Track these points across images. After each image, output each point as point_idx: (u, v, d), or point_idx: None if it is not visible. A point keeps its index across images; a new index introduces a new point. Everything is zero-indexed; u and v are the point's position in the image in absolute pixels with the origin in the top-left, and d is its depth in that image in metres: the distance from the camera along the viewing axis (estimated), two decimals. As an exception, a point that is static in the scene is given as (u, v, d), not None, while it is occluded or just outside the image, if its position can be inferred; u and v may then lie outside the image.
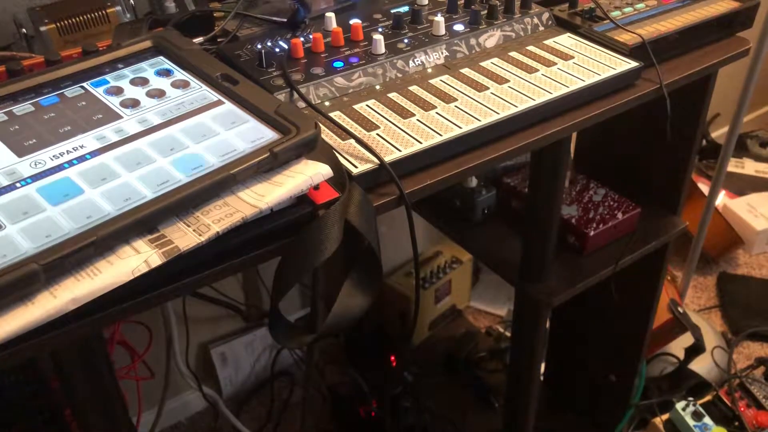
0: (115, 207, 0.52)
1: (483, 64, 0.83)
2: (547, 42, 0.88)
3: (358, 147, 0.67)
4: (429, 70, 0.82)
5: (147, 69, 0.69)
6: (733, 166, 2.29)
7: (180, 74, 0.68)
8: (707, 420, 1.41)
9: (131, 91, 0.66)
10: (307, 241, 0.58)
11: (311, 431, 1.60)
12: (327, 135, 0.69)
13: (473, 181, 1.22)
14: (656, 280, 1.27)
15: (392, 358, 1.63)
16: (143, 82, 0.67)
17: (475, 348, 1.74)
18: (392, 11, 0.88)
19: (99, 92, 0.65)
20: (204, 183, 0.54)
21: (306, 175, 0.57)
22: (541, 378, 1.49)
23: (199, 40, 0.81)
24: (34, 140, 0.59)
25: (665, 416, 1.45)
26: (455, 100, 0.75)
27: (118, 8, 0.83)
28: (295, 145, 0.58)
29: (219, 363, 1.63)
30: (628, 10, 0.93)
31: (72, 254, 0.48)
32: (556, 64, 0.83)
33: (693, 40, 0.91)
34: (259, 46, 0.80)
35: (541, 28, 0.91)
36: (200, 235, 0.52)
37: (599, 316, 1.39)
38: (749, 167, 2.32)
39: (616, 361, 1.42)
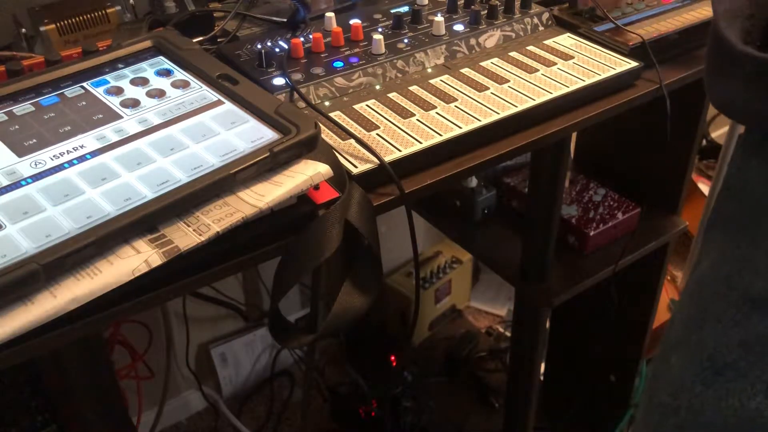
0: (116, 207, 0.52)
1: (483, 64, 0.83)
2: (547, 42, 0.88)
3: (358, 147, 0.67)
4: (429, 70, 0.82)
5: (147, 69, 0.69)
6: (733, 166, 2.29)
7: (180, 74, 0.68)
8: (707, 420, 1.41)
9: (131, 91, 0.66)
10: (307, 241, 0.58)
11: (311, 431, 1.60)
12: (327, 135, 0.69)
13: (473, 181, 1.22)
14: (656, 280, 1.27)
15: (392, 358, 1.63)
16: (143, 82, 0.67)
17: (475, 348, 1.74)
18: (392, 11, 0.88)
19: (99, 92, 0.65)
20: (204, 183, 0.54)
21: (306, 175, 0.57)
22: (541, 378, 1.49)
23: (199, 40, 0.81)
24: (34, 140, 0.59)
25: (665, 416, 1.45)
26: (455, 100, 0.76)
27: (118, 8, 0.83)
28: (295, 145, 0.58)
29: (219, 363, 1.63)
30: (628, 10, 0.93)
31: (72, 254, 0.48)
32: (556, 64, 0.83)
33: (693, 40, 0.91)
34: (259, 46, 0.80)
35: (541, 28, 0.91)
36: (200, 235, 0.52)
37: (599, 316, 1.39)
38: (749, 167, 2.32)
39: (616, 361, 1.42)
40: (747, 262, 0.46)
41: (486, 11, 0.89)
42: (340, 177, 0.62)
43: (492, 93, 0.77)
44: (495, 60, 0.84)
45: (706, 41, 0.50)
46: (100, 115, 0.62)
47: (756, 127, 0.48)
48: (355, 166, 0.65)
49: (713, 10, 0.48)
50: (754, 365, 0.45)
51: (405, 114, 0.73)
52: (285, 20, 0.86)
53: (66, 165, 0.57)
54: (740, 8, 0.46)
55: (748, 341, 0.45)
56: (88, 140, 0.59)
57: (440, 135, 0.70)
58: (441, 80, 0.79)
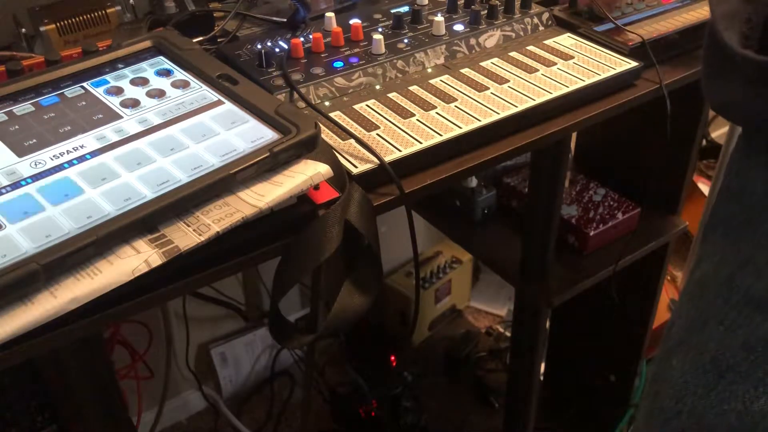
0: (115, 207, 0.52)
1: (483, 64, 0.83)
2: (547, 42, 0.88)
3: (358, 147, 0.67)
4: (429, 70, 0.82)
5: (147, 69, 0.69)
6: (733, 166, 2.28)
7: (180, 74, 0.68)
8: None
9: (131, 91, 0.66)
10: (307, 241, 0.58)
11: (311, 431, 1.60)
12: (327, 135, 0.69)
13: (473, 181, 1.22)
14: (656, 280, 1.27)
15: (392, 358, 1.63)
16: (143, 82, 0.67)
17: (475, 348, 1.74)
18: (392, 11, 0.88)
19: (99, 92, 0.65)
20: (204, 183, 0.54)
21: (306, 175, 0.57)
22: (541, 378, 1.49)
23: (199, 40, 0.81)
24: (34, 140, 0.59)
25: (665, 416, 1.45)
26: (455, 100, 0.76)
27: (118, 8, 0.83)
28: (295, 145, 0.58)
29: (219, 363, 1.63)
30: (628, 10, 0.93)
31: (72, 254, 0.48)
32: (556, 64, 0.83)
33: (693, 40, 0.91)
34: (259, 46, 0.80)
35: (541, 28, 0.91)
36: (200, 234, 0.52)
37: (599, 316, 1.39)
38: (749, 167, 2.31)
39: (616, 361, 1.42)
40: (748, 263, 0.46)
41: (486, 11, 0.89)
42: (340, 177, 0.62)
43: (492, 93, 0.77)
44: (495, 60, 0.84)
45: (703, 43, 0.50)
46: (100, 115, 0.62)
47: (756, 130, 0.48)
48: (355, 166, 0.65)
49: (711, 12, 0.48)
50: (757, 367, 0.45)
51: (405, 114, 0.73)
52: (285, 20, 0.86)
53: (66, 165, 0.57)
54: (738, 12, 0.46)
55: (751, 343, 0.45)
56: (88, 140, 0.59)
57: (440, 135, 0.70)
58: (441, 80, 0.79)
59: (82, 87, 0.66)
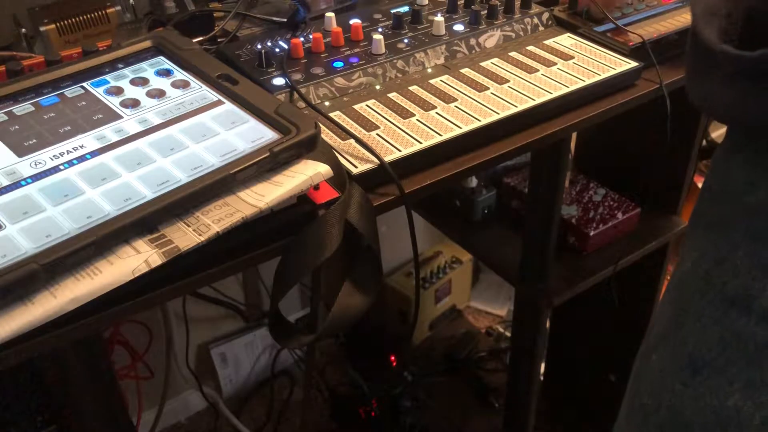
0: (115, 207, 0.52)
1: (483, 64, 0.83)
2: (547, 42, 0.88)
3: (358, 147, 0.67)
4: (429, 70, 0.82)
5: (147, 69, 0.69)
6: (734, 166, 2.28)
7: (180, 74, 0.68)
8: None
9: (131, 91, 0.66)
10: (307, 241, 0.58)
11: (311, 431, 1.60)
12: (327, 135, 0.69)
13: (473, 181, 1.22)
14: (656, 280, 1.27)
15: (392, 358, 1.63)
16: (143, 82, 0.67)
17: (475, 348, 1.74)
18: (392, 11, 0.88)
19: (99, 92, 0.65)
20: (204, 183, 0.54)
21: (306, 175, 0.57)
22: (541, 378, 1.49)
23: (199, 40, 0.81)
24: (34, 140, 0.59)
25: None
26: (455, 100, 0.76)
27: (118, 8, 0.83)
28: (295, 145, 0.58)
29: (219, 363, 1.63)
30: (628, 10, 0.93)
31: (72, 254, 0.48)
32: (556, 64, 0.83)
33: (693, 40, 0.91)
34: (259, 46, 0.80)
35: (541, 28, 0.91)
36: (200, 235, 0.52)
37: (599, 316, 1.39)
38: (749, 167, 2.31)
39: (616, 361, 1.42)
40: (725, 261, 0.46)
41: (486, 11, 0.89)
42: (340, 177, 0.62)
43: (492, 93, 0.77)
44: (495, 60, 0.84)
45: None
46: (100, 115, 0.62)
47: (735, 126, 0.48)
48: (355, 166, 0.65)
49: (692, 9, 0.48)
50: (732, 363, 0.45)
51: (405, 114, 0.73)
52: (285, 20, 0.86)
53: (66, 165, 0.57)
54: (717, 7, 0.46)
55: (726, 339, 0.45)
56: (88, 140, 0.59)
57: (440, 135, 0.70)
58: (441, 80, 0.79)
59: (82, 87, 0.66)
